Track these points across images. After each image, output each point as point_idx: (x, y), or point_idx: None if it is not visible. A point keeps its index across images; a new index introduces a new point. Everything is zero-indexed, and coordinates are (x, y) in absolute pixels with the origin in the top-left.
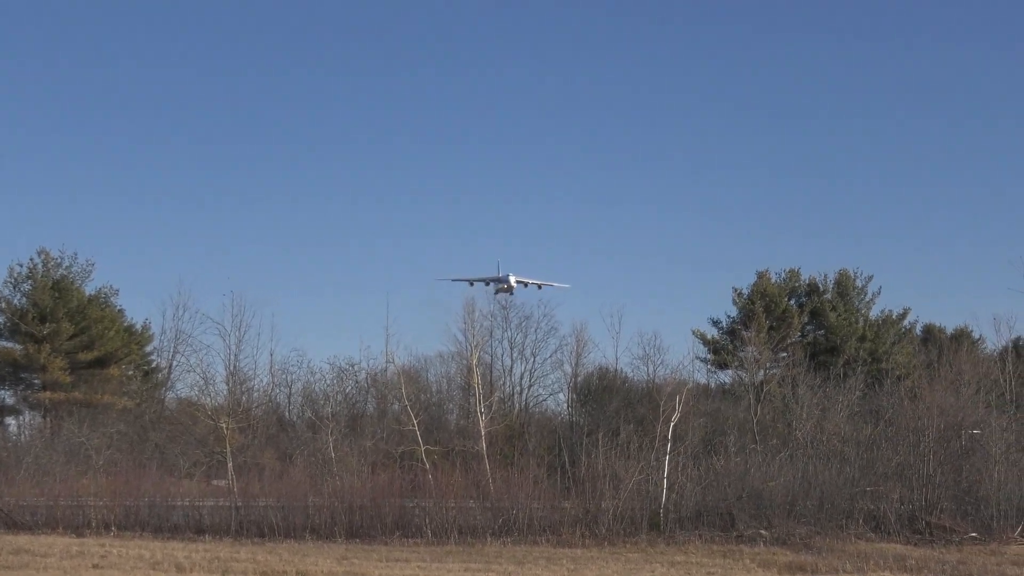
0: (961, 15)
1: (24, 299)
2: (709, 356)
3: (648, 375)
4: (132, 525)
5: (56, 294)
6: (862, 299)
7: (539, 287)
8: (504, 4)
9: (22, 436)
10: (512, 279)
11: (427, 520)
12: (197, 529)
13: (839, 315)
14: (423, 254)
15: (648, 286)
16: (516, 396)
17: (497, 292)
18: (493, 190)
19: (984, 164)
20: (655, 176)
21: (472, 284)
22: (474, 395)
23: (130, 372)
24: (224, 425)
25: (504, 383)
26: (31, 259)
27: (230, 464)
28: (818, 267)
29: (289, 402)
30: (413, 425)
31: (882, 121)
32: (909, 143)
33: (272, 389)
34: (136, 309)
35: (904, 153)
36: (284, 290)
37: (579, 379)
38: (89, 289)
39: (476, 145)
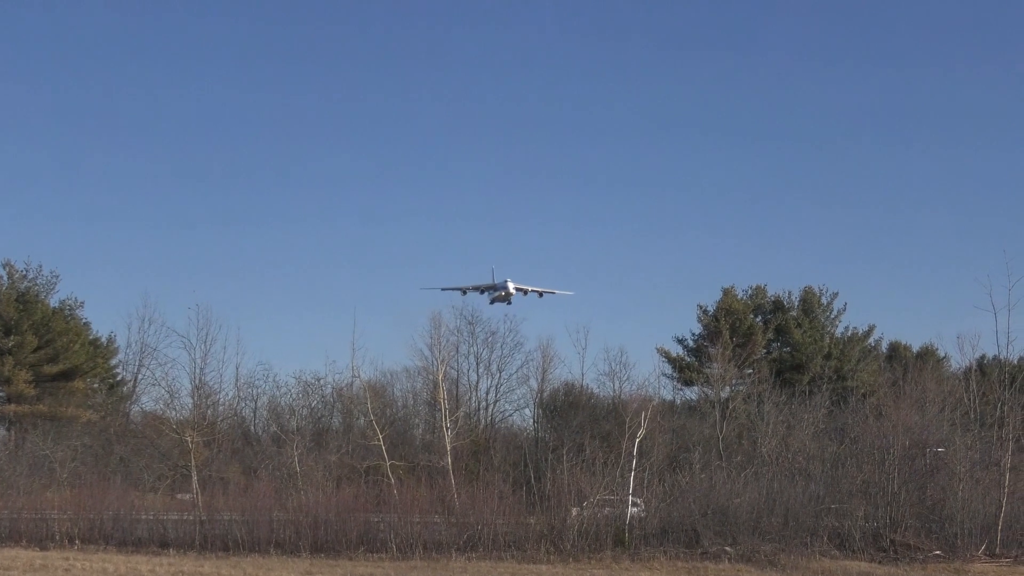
0: (914, 44)
1: None
2: (674, 373)
3: (614, 391)
4: (96, 539)
5: (21, 307)
6: (827, 316)
7: (540, 295)
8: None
9: None
10: (511, 286)
11: (392, 535)
12: (161, 543)
13: (804, 332)
14: (390, 267)
15: (615, 302)
16: (482, 411)
17: (493, 301)
18: (456, 207)
19: (949, 184)
20: (621, 194)
21: (465, 293)
22: (440, 410)
23: (95, 385)
24: (189, 439)
25: (470, 398)
26: None
27: (195, 478)
28: (783, 284)
29: (255, 416)
30: (378, 440)
31: (848, 142)
32: (874, 162)
33: (237, 403)
34: (101, 322)
35: (869, 172)
36: (251, 304)
37: (545, 395)
38: (54, 302)
39: (440, 161)
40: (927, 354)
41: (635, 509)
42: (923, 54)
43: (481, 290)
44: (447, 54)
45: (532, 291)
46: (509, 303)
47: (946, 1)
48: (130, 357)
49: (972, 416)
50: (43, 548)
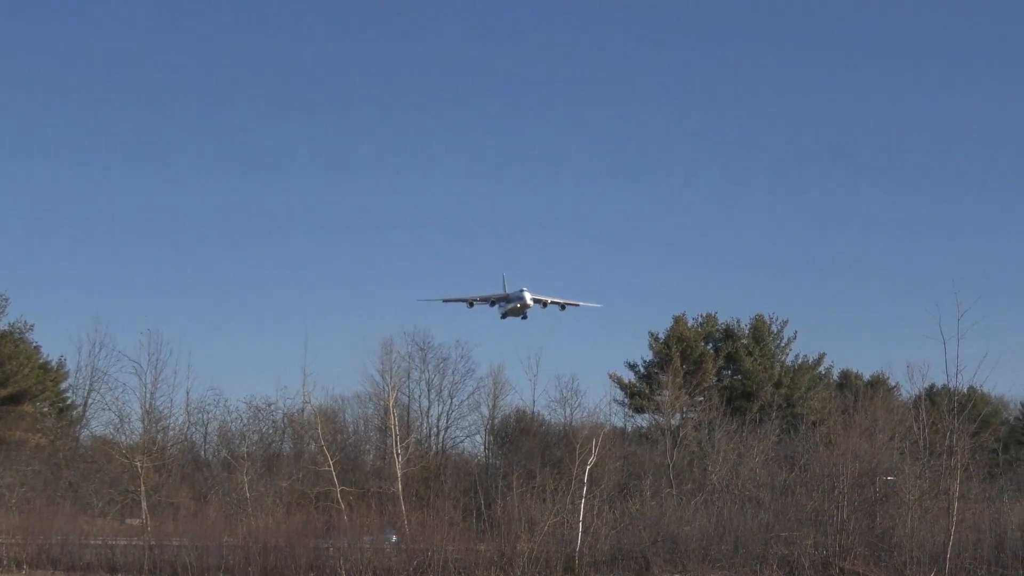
0: (868, 81)
1: None
2: (626, 400)
3: (565, 418)
4: (44, 563)
5: None
6: (778, 344)
7: (562, 307)
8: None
9: None
10: (528, 297)
11: (342, 561)
12: (110, 568)
13: (755, 360)
14: (344, 290)
15: (566, 329)
16: (433, 437)
17: (505, 315)
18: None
19: (900, 213)
20: (574, 224)
21: (472, 305)
22: (391, 436)
23: (44, 409)
24: (139, 464)
25: (421, 424)
26: None
27: (144, 503)
28: (734, 312)
29: (205, 441)
30: (329, 466)
31: (799, 173)
32: (826, 193)
33: (188, 428)
34: (51, 346)
35: (820, 202)
36: (202, 328)
37: (496, 421)
38: (3, 325)
39: (388, 179)
40: (877, 383)
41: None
42: (875, 90)
43: (492, 301)
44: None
45: (552, 303)
46: (525, 317)
47: (893, 39)
48: (80, 381)
49: (921, 445)
50: None
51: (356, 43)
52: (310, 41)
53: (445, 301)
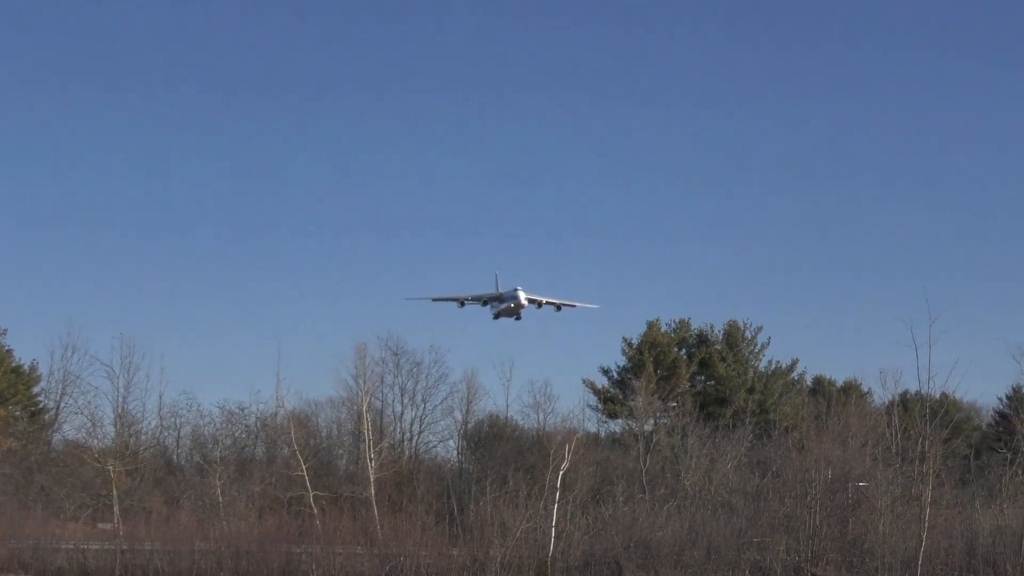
0: (841, 83)
1: None
2: (599, 405)
3: (538, 423)
4: (15, 567)
5: None
6: (751, 350)
7: (557, 308)
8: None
9: None
10: (522, 296)
11: (314, 566)
12: (81, 572)
13: (728, 366)
14: (318, 295)
15: (539, 334)
16: (406, 442)
17: (498, 315)
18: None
19: (873, 220)
20: (546, 230)
21: (463, 304)
22: (364, 441)
23: (16, 413)
24: (111, 468)
25: (394, 429)
26: None
27: (116, 507)
28: (708, 318)
29: (178, 445)
30: (302, 470)
31: (772, 180)
32: (798, 201)
33: (160, 432)
34: (24, 349)
35: (794, 208)
36: (175, 332)
37: (469, 426)
38: None
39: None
40: (850, 389)
41: None
42: (848, 97)
43: (484, 301)
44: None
45: (548, 303)
46: (519, 317)
47: (866, 45)
48: (52, 385)
49: (894, 451)
50: None
51: (348, 49)
52: (304, 44)
53: (434, 300)
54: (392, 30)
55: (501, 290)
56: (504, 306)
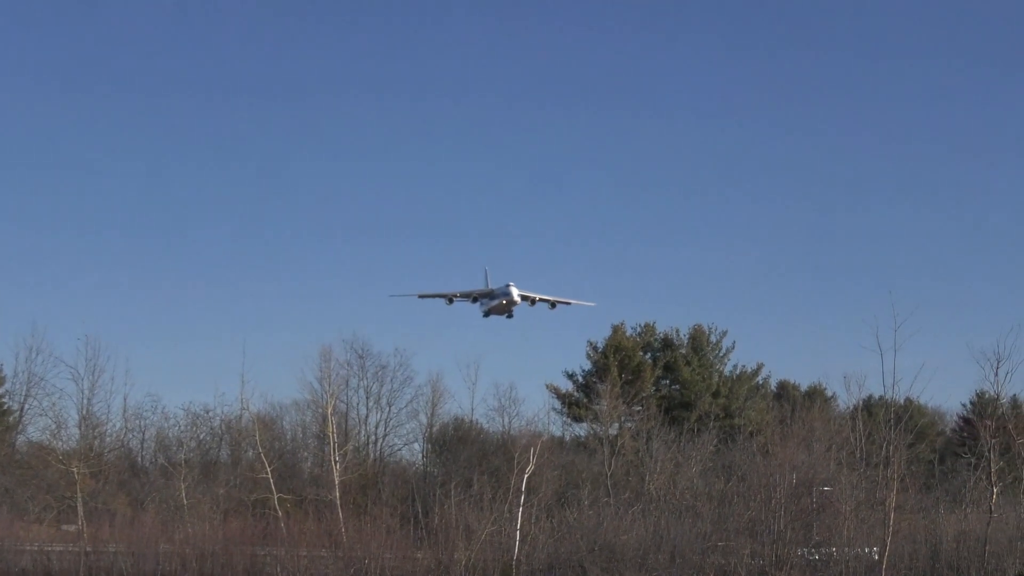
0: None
1: None
2: (564, 409)
3: (503, 427)
4: None
5: None
6: (716, 354)
7: (552, 305)
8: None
9: None
10: (515, 293)
11: (279, 569)
12: (45, 574)
13: (693, 370)
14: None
15: (505, 337)
16: (371, 445)
17: (488, 313)
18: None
19: (837, 224)
20: (513, 229)
21: (451, 301)
22: (329, 444)
23: None
24: (75, 470)
25: (359, 432)
26: None
27: (80, 509)
28: (673, 321)
29: (142, 447)
30: (267, 473)
31: (738, 184)
32: (763, 205)
33: (125, 434)
34: None
35: (758, 214)
36: (140, 334)
37: (434, 429)
38: None
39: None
40: (815, 393)
41: None
42: (814, 104)
43: (473, 298)
44: None
45: (541, 300)
46: (510, 315)
47: (845, 53)
48: (17, 387)
49: (858, 455)
50: None
51: (348, 50)
52: (304, 45)
53: (421, 296)
54: (390, 31)
55: (492, 286)
56: (496, 303)
